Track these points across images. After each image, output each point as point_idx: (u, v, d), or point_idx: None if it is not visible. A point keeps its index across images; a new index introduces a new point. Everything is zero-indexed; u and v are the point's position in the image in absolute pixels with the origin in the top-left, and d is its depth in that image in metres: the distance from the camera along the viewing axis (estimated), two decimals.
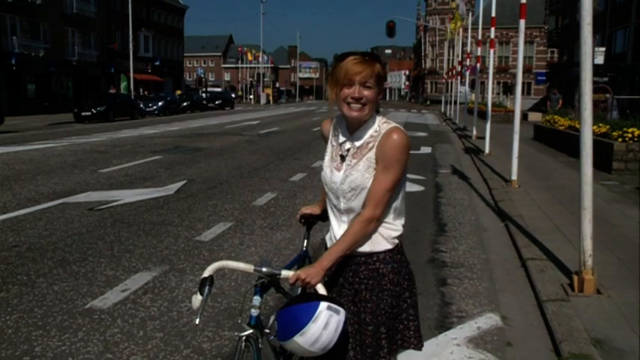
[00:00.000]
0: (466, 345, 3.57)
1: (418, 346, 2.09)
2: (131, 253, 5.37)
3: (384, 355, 2.01)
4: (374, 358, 1.99)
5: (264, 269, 2.01)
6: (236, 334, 2.20)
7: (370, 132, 1.99)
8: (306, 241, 2.52)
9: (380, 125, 1.99)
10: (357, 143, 2.00)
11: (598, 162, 5.22)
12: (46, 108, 35.09)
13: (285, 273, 1.99)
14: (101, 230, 6.20)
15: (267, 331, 2.08)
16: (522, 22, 9.13)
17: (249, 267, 2.02)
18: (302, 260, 2.40)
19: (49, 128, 23.30)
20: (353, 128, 2.02)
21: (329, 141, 2.14)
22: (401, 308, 2.04)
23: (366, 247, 2.02)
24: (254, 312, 2.02)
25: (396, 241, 2.05)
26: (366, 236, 1.99)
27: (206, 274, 1.97)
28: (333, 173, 2.05)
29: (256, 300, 2.02)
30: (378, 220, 1.98)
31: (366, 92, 1.91)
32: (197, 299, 1.95)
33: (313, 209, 2.46)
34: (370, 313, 2.00)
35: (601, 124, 11.72)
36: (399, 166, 1.94)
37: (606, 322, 3.75)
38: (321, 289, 1.91)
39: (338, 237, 2.04)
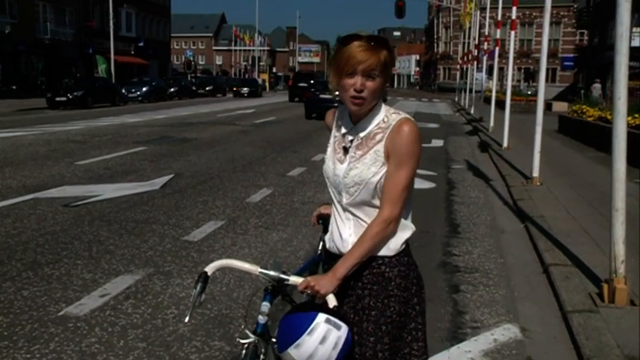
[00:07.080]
0: (481, 359, 3.56)
1: (423, 358, 2.09)
2: (111, 254, 5.36)
3: None
4: None
5: (270, 272, 1.99)
6: (237, 340, 2.19)
7: (376, 122, 1.99)
8: (322, 243, 2.49)
9: (388, 115, 1.99)
10: (362, 134, 2.00)
11: (632, 157, 5.20)
12: (14, 92, 34.68)
13: (293, 279, 1.98)
14: (78, 229, 6.19)
15: (274, 340, 2.06)
16: (548, 1, 9.09)
17: (254, 268, 2.01)
18: (315, 265, 2.38)
19: (17, 114, 23.26)
20: (356, 118, 2.02)
21: (332, 132, 2.15)
22: (409, 316, 2.04)
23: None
24: (261, 319, 2.00)
25: (405, 243, 2.04)
26: (385, 239, 1.98)
27: (205, 270, 1.98)
28: (335, 166, 2.06)
29: (264, 306, 2.00)
30: (396, 221, 1.98)
31: (369, 83, 1.90)
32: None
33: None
34: (373, 322, 1.98)
35: (636, 115, 11.67)
36: (413, 160, 1.95)
37: None
38: (331, 300, 1.89)
39: (343, 236, 2.03)
